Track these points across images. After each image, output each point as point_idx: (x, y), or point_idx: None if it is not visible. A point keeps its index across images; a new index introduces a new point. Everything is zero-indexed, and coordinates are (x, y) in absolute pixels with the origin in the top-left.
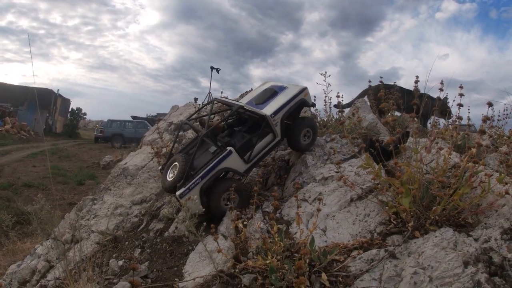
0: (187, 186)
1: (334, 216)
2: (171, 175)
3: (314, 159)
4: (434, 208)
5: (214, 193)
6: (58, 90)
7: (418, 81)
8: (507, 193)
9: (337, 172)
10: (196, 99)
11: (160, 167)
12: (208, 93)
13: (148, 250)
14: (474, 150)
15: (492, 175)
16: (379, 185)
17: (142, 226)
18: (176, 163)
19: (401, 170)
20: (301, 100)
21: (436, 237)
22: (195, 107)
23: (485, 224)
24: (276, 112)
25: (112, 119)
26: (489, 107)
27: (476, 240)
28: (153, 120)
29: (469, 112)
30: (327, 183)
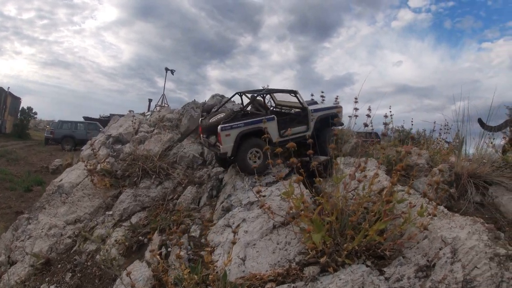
0: (230, 124)
1: (255, 244)
2: (214, 120)
3: (244, 181)
4: (345, 245)
5: (244, 145)
6: (9, 87)
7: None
8: (425, 228)
9: (263, 196)
10: (150, 100)
11: (202, 117)
12: (162, 95)
13: (78, 274)
14: (395, 179)
15: (415, 205)
16: (303, 212)
17: (75, 247)
18: (222, 114)
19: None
20: (334, 114)
21: (340, 279)
22: (132, 121)
23: (403, 258)
24: (315, 111)
25: (63, 120)
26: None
27: (387, 279)
28: (106, 121)
29: (412, 124)
30: (252, 208)
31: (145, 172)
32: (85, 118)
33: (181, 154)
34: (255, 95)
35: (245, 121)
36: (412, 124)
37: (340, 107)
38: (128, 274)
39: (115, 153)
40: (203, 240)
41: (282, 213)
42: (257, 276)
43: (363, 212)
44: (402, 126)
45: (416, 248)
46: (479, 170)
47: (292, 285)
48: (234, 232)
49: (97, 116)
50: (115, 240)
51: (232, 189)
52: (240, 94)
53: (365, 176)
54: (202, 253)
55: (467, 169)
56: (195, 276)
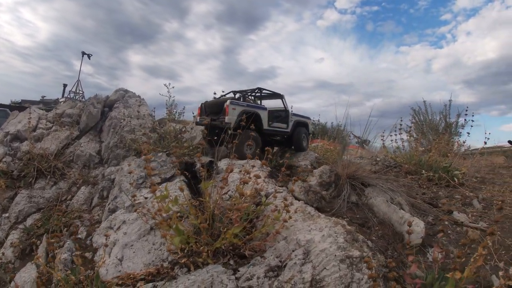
0: (237, 102)
1: (132, 245)
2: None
3: (130, 182)
4: (202, 247)
5: (243, 136)
6: None
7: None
8: (278, 232)
9: (145, 198)
10: (65, 85)
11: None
12: (77, 80)
13: None
14: (251, 190)
15: (277, 210)
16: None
17: None
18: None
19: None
20: (306, 122)
21: (189, 279)
22: (29, 118)
23: (261, 258)
24: (294, 115)
25: None
26: None
27: (238, 279)
28: (17, 107)
29: None
30: (133, 210)
31: (41, 172)
32: None
33: (77, 153)
34: (248, 93)
35: (247, 103)
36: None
37: (310, 118)
38: (12, 278)
39: (12, 152)
40: (88, 242)
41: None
42: (131, 276)
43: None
44: (318, 120)
45: (274, 249)
46: (358, 172)
47: (156, 283)
48: (106, 236)
49: (8, 102)
50: (11, 243)
51: (118, 190)
52: (234, 92)
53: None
54: (86, 254)
55: (346, 171)
56: (73, 278)
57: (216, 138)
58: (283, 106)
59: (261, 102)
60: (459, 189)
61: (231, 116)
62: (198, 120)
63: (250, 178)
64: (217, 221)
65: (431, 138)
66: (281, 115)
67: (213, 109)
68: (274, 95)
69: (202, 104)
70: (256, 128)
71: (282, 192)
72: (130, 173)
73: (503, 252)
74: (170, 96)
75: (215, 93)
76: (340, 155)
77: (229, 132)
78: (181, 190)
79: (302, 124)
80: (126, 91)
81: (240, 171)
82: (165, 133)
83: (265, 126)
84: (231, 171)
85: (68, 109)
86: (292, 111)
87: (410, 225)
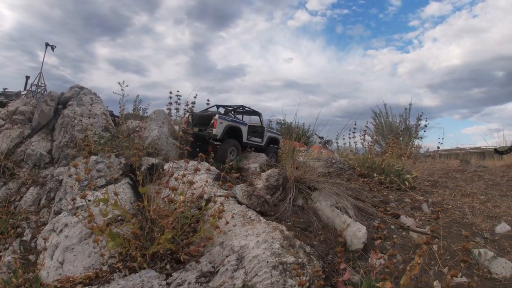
0: (224, 116)
1: (73, 248)
2: (206, 113)
3: (74, 185)
4: (134, 252)
5: (226, 144)
6: None
7: None
8: (210, 238)
9: (89, 201)
10: (27, 77)
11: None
12: (39, 73)
13: None
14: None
15: (213, 215)
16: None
17: None
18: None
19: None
20: (278, 138)
21: (119, 284)
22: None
23: (196, 263)
24: (268, 131)
25: None
26: None
27: (169, 284)
28: None
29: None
30: (73, 213)
31: None
32: None
33: (28, 152)
34: (230, 108)
35: (231, 119)
36: None
37: (281, 135)
38: None
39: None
40: (33, 244)
41: (100, 218)
42: (70, 279)
43: (177, 218)
44: (284, 119)
45: (209, 254)
46: (306, 176)
47: (92, 287)
48: (45, 239)
49: None
50: None
51: (63, 192)
52: (218, 106)
53: (184, 183)
54: (30, 257)
55: (294, 174)
56: (14, 280)
57: (198, 148)
58: (259, 122)
59: (242, 117)
60: (410, 192)
61: (218, 129)
62: (183, 129)
63: (184, 183)
64: (155, 225)
65: (389, 140)
66: (258, 130)
67: (200, 121)
68: (253, 113)
69: (189, 114)
70: (237, 140)
71: (222, 196)
72: (70, 176)
73: (448, 257)
74: (124, 95)
75: (187, 104)
76: (289, 158)
77: (211, 142)
78: (116, 194)
79: (274, 139)
80: (82, 88)
81: (177, 177)
82: (117, 132)
83: (244, 139)
84: (172, 175)
85: (21, 106)
86: (267, 129)
87: (341, 233)
